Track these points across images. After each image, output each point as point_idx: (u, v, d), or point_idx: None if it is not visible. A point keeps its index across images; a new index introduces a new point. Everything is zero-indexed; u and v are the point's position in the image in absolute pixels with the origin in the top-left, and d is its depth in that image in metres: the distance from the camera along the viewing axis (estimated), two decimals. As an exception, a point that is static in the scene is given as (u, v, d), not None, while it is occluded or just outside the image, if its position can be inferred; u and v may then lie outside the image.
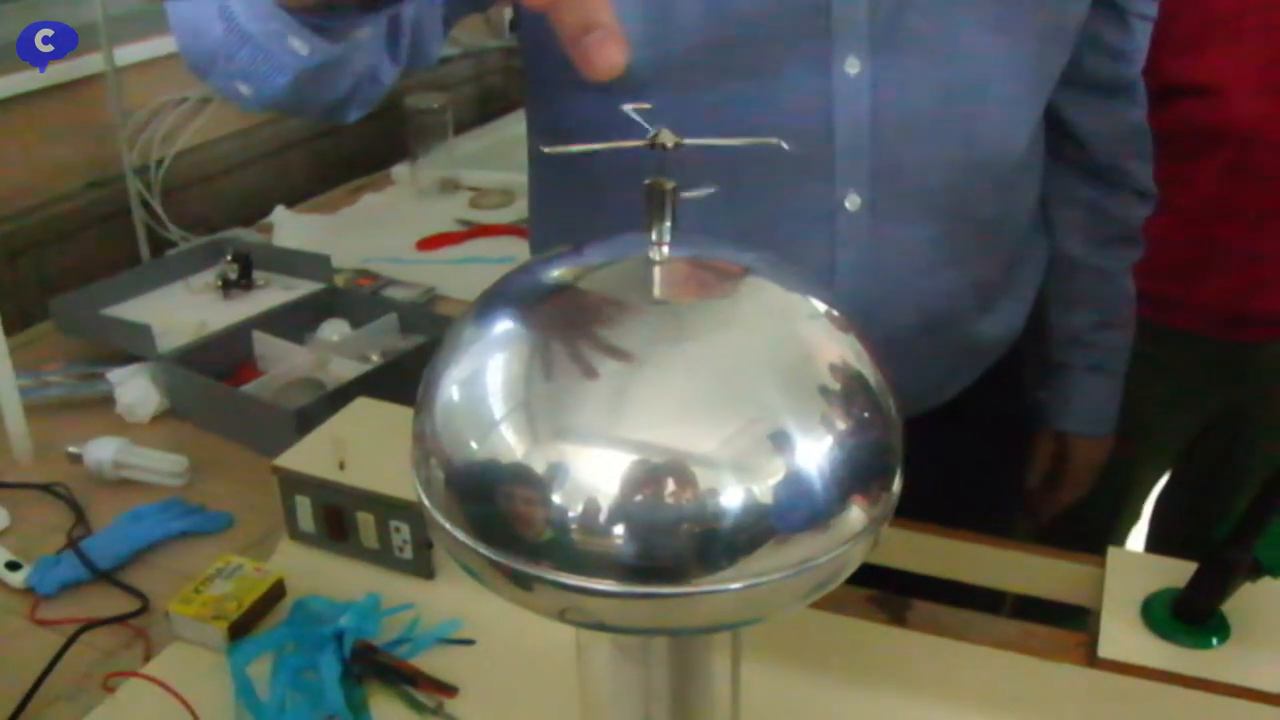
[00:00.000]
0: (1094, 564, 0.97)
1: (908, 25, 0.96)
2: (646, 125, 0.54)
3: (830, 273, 1.02)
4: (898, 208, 1.02)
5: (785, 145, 0.55)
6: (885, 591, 0.97)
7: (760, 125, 0.97)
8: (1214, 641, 0.87)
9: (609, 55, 0.52)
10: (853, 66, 0.96)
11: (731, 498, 0.48)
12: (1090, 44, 1.14)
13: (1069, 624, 0.95)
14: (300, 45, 0.86)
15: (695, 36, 0.94)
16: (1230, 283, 1.58)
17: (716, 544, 0.48)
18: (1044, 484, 1.46)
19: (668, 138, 0.53)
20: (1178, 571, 0.91)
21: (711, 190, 0.53)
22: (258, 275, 1.84)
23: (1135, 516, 1.93)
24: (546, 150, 0.56)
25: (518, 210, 2.18)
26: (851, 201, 1.00)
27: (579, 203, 1.09)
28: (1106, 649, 0.88)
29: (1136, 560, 0.98)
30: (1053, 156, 1.21)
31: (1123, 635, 0.88)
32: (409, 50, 0.97)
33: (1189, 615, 0.88)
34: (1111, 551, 0.97)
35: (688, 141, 0.54)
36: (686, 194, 0.53)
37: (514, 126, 2.61)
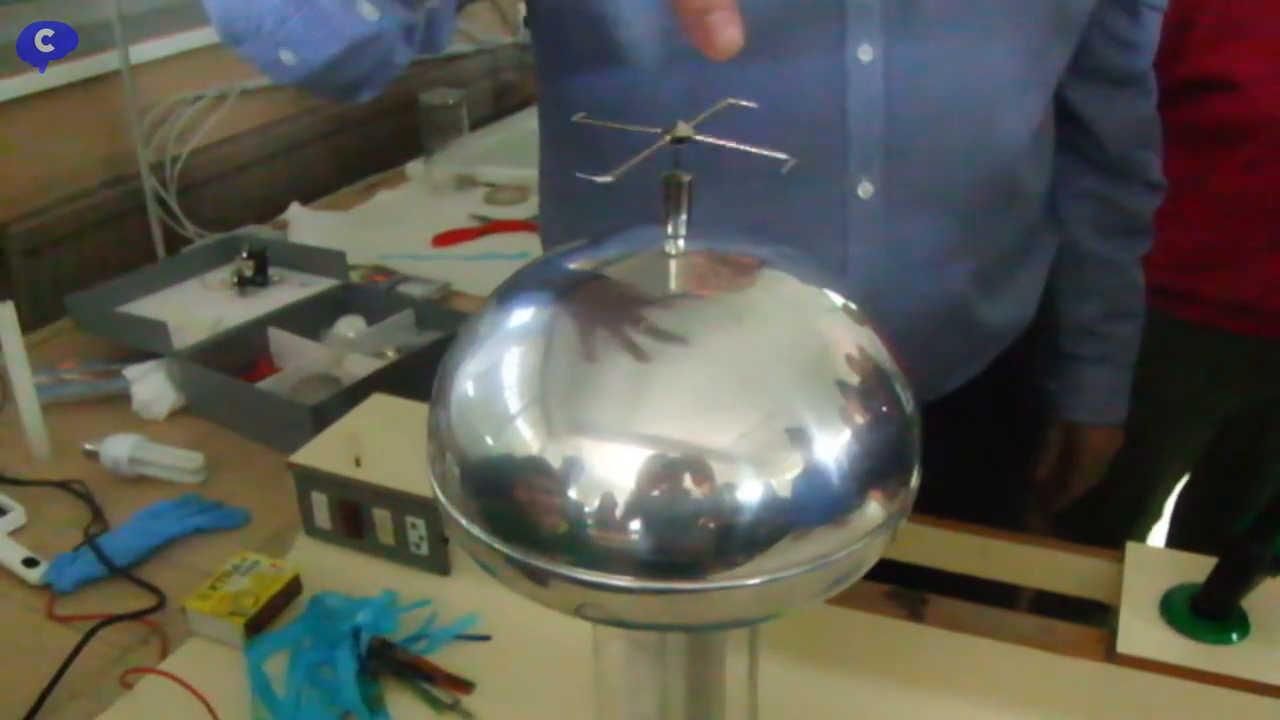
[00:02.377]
0: (1113, 559, 0.97)
1: (919, 12, 0.96)
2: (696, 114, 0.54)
3: (842, 261, 1.02)
4: (909, 195, 1.02)
5: (791, 163, 0.55)
6: (901, 586, 0.97)
7: (774, 111, 0.97)
8: (1233, 637, 0.87)
9: (731, 35, 0.54)
10: (866, 53, 0.96)
11: (749, 492, 0.48)
12: (1101, 35, 1.14)
13: (1084, 620, 0.94)
14: (370, 10, 0.86)
15: None
16: (1255, 277, 1.58)
17: (734, 539, 0.48)
18: (1054, 475, 1.46)
19: (683, 130, 0.53)
20: (1197, 567, 0.91)
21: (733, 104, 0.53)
22: (273, 272, 1.84)
23: (1158, 513, 1.92)
24: (576, 119, 0.56)
25: (533, 206, 2.18)
26: (864, 189, 1.00)
27: (589, 189, 1.09)
28: (1125, 645, 0.87)
29: (1156, 556, 0.98)
30: (1063, 148, 1.21)
31: (1142, 631, 0.88)
32: (422, 34, 0.97)
33: (1208, 611, 0.88)
34: (1130, 547, 0.96)
35: (700, 139, 0.53)
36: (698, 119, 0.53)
37: (528, 122, 2.59)
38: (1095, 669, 0.88)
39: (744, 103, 0.56)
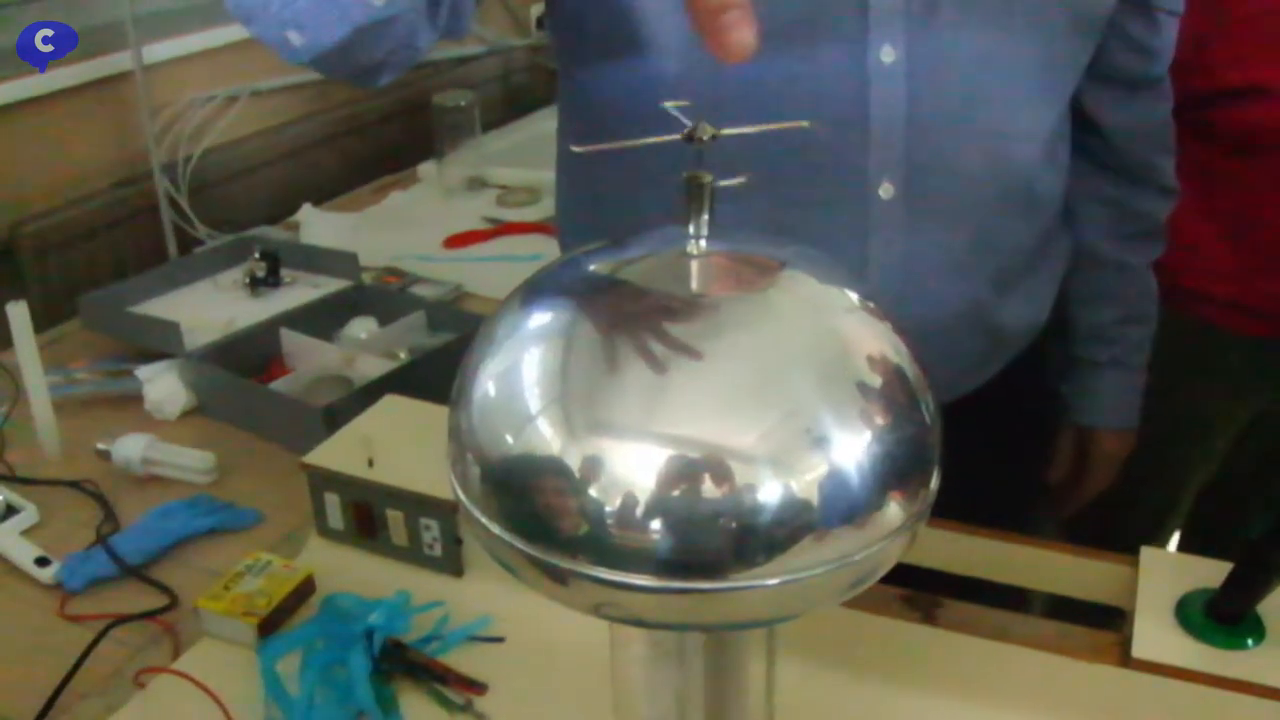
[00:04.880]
0: (1127, 564, 0.97)
1: (941, 15, 0.96)
2: (684, 120, 0.54)
3: (862, 262, 1.02)
4: (930, 197, 1.02)
5: (814, 127, 0.55)
6: (914, 590, 0.96)
7: (796, 112, 0.96)
8: (1249, 642, 0.87)
9: (743, 35, 0.53)
10: (888, 55, 0.96)
11: (769, 493, 0.48)
12: (1117, 40, 1.14)
13: (1099, 625, 0.94)
14: None
15: None
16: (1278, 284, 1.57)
17: (754, 539, 0.48)
18: (1067, 478, 1.46)
19: (705, 130, 0.53)
20: (1212, 572, 0.90)
21: (743, 180, 0.53)
22: (285, 273, 1.84)
23: (1182, 517, 1.91)
24: (577, 149, 0.56)
25: (545, 208, 2.18)
26: (885, 190, 1.00)
27: (608, 186, 1.09)
28: (1140, 649, 0.87)
29: (1170, 560, 0.97)
30: (1078, 152, 1.20)
31: (1157, 636, 0.88)
32: (447, 17, 0.97)
33: (1223, 616, 0.87)
34: (1145, 552, 0.96)
35: (725, 131, 0.53)
36: (722, 183, 0.53)
37: (541, 124, 2.61)
38: (1110, 674, 0.88)
39: (679, 102, 0.56)
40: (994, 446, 1.17)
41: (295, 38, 0.90)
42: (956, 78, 0.99)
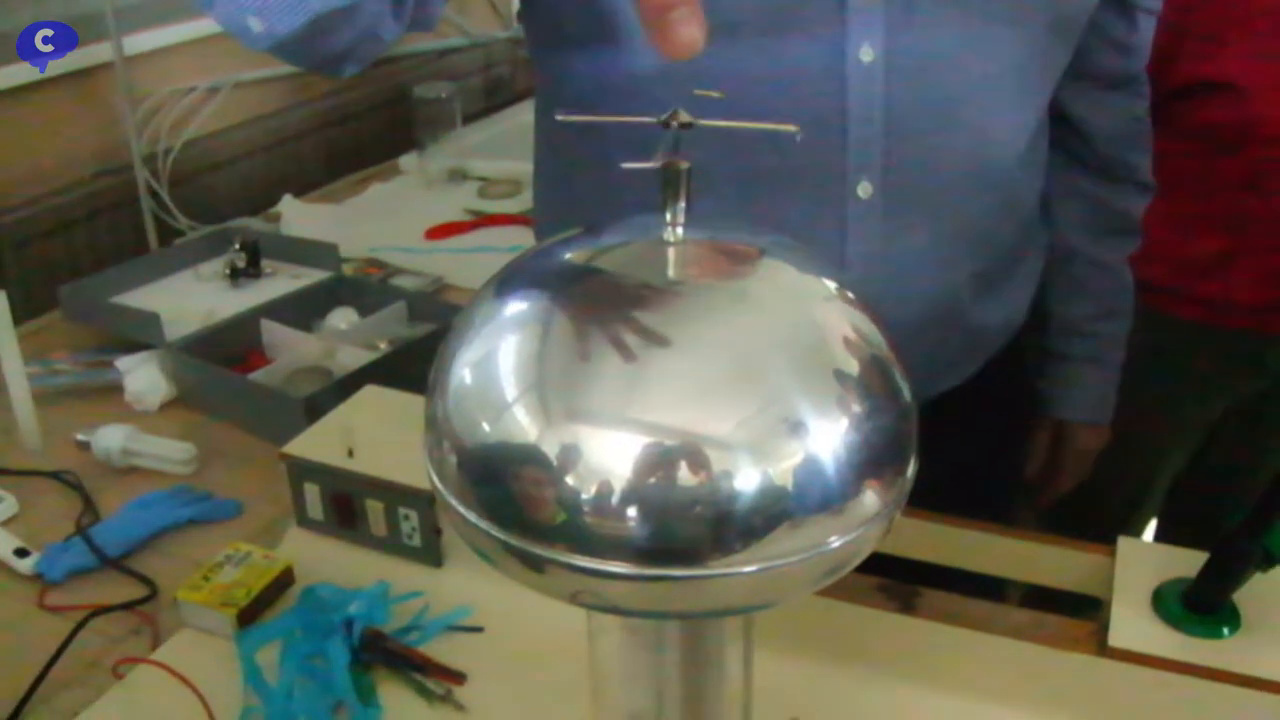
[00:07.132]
0: (1104, 554, 0.97)
1: (921, 14, 0.96)
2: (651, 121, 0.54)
3: (840, 261, 1.02)
4: (908, 196, 1.01)
5: (798, 133, 0.55)
6: (892, 579, 0.97)
7: (774, 109, 0.96)
8: (1225, 631, 0.87)
9: (690, 33, 0.52)
10: (867, 54, 0.96)
11: (746, 480, 0.48)
12: (1096, 37, 1.14)
13: (1075, 615, 0.94)
14: None
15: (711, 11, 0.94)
16: (1257, 276, 1.58)
17: (730, 527, 0.48)
18: (1043, 472, 1.46)
19: (682, 116, 0.53)
20: (1188, 562, 0.91)
21: (720, 95, 0.52)
22: (266, 264, 1.84)
23: (1154, 510, 1.92)
24: (560, 118, 0.55)
25: (525, 200, 2.18)
26: (864, 189, 1.00)
27: (585, 180, 1.09)
28: (1117, 638, 0.87)
29: (1147, 550, 0.98)
30: (1055, 149, 1.20)
31: (1133, 625, 0.88)
32: (413, 9, 0.96)
33: (1200, 605, 0.88)
34: (1122, 541, 0.96)
35: (702, 122, 0.53)
36: (699, 91, 0.53)
37: (521, 116, 2.60)
38: (1086, 662, 0.88)
39: (702, 121, 0.56)
40: (971, 440, 1.18)
41: (255, 24, 0.89)
42: (935, 78, 0.98)
